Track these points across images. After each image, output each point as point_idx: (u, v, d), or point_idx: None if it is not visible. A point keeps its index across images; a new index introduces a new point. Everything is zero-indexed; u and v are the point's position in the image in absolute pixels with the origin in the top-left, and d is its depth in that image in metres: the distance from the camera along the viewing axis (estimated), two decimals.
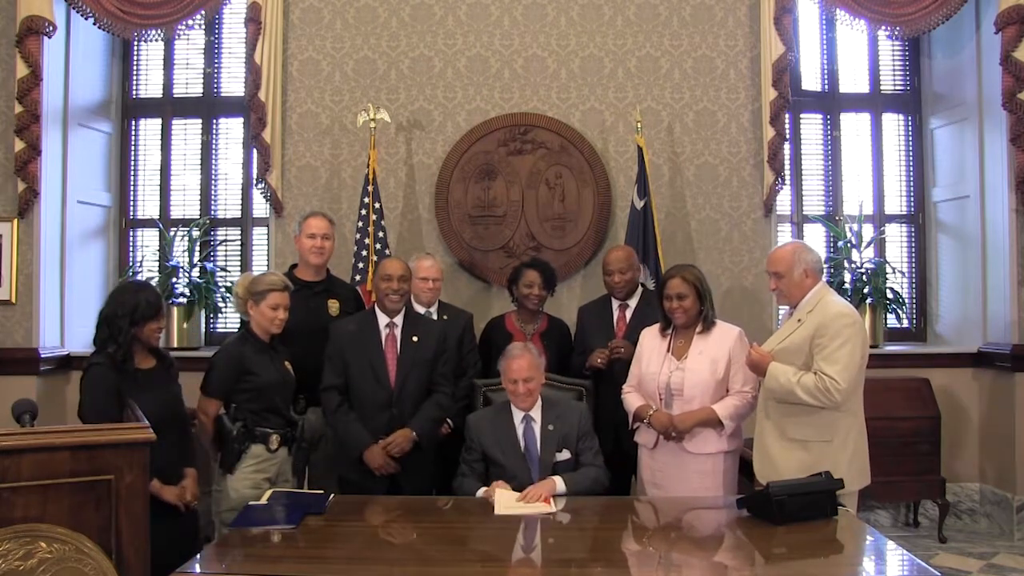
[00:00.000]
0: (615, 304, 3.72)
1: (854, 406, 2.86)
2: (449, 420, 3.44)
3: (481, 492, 2.89)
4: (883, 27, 4.48)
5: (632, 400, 3.18)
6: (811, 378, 2.75)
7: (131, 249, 4.91)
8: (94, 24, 4.41)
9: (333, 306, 3.55)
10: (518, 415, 3.04)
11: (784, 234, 4.81)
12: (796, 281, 2.90)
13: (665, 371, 3.07)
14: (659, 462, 3.10)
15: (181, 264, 4.62)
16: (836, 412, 2.79)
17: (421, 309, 3.63)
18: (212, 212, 4.91)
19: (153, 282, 4.61)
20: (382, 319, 3.27)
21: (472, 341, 3.79)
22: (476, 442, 3.05)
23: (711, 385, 3.02)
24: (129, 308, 2.70)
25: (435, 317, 3.68)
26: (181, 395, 2.94)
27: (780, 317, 4.59)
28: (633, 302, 3.70)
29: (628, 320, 3.65)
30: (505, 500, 2.72)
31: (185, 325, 4.57)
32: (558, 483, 2.87)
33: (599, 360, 3.52)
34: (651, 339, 3.21)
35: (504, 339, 3.69)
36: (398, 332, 3.25)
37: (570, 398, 3.37)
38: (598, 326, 3.71)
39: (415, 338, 3.26)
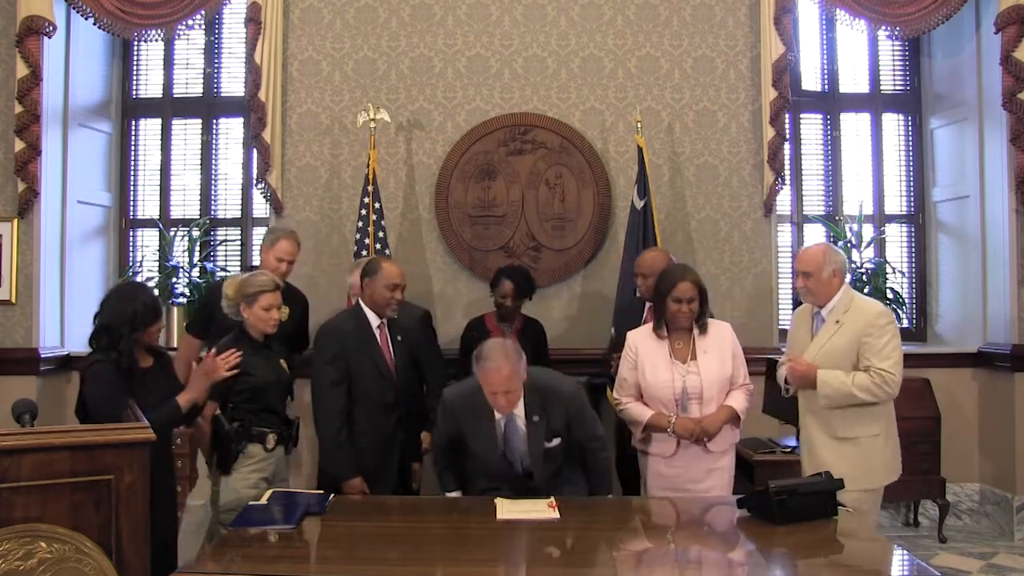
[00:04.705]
0: (646, 307, 3.63)
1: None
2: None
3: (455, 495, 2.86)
4: (883, 27, 4.48)
5: (638, 411, 3.03)
6: (864, 376, 2.84)
7: (131, 249, 4.91)
8: (94, 24, 4.41)
9: (283, 312, 3.45)
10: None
11: (784, 234, 4.81)
12: (825, 281, 2.96)
13: (678, 376, 3.00)
14: (677, 468, 3.01)
15: (181, 264, 4.63)
16: (878, 407, 2.90)
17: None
18: (212, 212, 4.91)
19: (153, 282, 4.61)
20: (373, 319, 3.24)
21: (433, 339, 3.78)
22: (452, 424, 2.89)
23: (725, 383, 3.03)
24: (128, 317, 2.67)
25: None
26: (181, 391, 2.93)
27: (782, 319, 4.60)
28: None
29: None
30: (508, 504, 2.71)
31: (185, 325, 4.57)
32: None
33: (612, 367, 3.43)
34: (646, 344, 3.07)
35: (485, 338, 3.69)
36: (387, 332, 3.27)
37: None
38: (630, 327, 3.65)
39: (399, 337, 3.29)
